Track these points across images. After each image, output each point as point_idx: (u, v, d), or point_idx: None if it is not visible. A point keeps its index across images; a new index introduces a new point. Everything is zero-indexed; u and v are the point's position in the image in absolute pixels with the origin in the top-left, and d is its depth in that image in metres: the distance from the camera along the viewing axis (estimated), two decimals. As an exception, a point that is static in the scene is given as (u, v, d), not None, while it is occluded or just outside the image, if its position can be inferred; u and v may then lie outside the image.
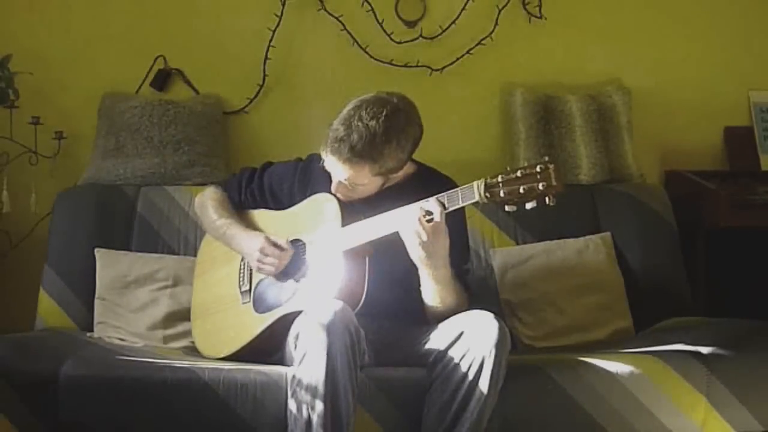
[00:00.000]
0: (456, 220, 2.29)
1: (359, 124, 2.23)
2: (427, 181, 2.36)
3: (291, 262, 2.39)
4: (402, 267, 2.25)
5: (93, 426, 2.23)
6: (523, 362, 2.36)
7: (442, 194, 2.17)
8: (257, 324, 2.39)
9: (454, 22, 3.26)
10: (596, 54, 3.35)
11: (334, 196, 2.35)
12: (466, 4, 3.26)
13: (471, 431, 2.13)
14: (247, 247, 2.44)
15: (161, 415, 2.23)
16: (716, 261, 3.10)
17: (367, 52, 3.24)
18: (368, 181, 2.31)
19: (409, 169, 2.42)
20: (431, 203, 2.16)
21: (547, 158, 2.07)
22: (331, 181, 2.37)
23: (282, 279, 2.40)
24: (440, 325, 2.27)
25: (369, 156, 2.25)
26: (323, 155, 2.32)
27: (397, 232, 2.19)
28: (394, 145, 2.26)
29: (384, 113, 2.25)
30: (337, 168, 2.30)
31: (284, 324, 2.30)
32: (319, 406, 2.05)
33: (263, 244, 2.39)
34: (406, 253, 2.20)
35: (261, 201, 2.57)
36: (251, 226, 2.53)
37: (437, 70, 3.27)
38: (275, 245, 2.39)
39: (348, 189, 2.33)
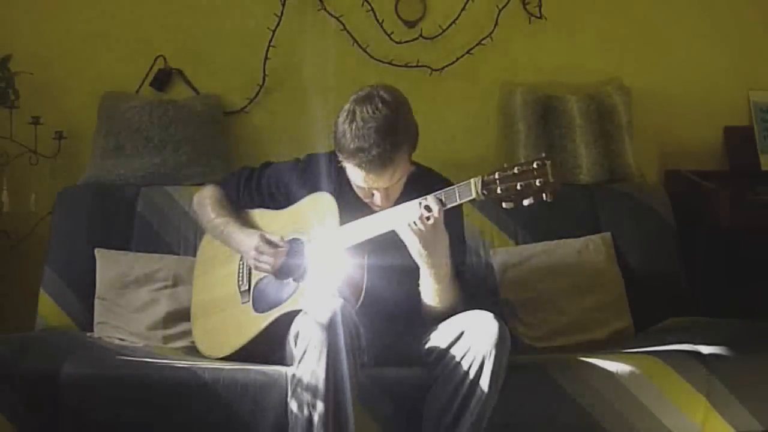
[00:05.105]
0: (453, 219, 2.28)
1: (370, 130, 2.20)
2: (426, 182, 2.35)
3: (290, 261, 2.39)
4: (402, 266, 2.24)
5: (93, 425, 2.22)
6: (523, 362, 2.36)
7: (440, 191, 2.17)
8: (257, 323, 2.39)
9: (454, 22, 3.26)
10: (596, 54, 3.36)
11: (332, 195, 2.35)
12: (466, 4, 3.26)
13: (471, 431, 2.13)
14: (244, 245, 2.44)
15: (161, 414, 2.23)
16: (716, 261, 3.09)
17: (367, 52, 3.24)
18: (403, 170, 2.28)
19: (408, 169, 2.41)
20: (429, 200, 2.16)
21: (544, 154, 2.06)
22: (331, 181, 2.37)
23: (281, 277, 2.40)
24: (441, 325, 2.27)
25: (391, 156, 2.21)
26: (349, 173, 2.29)
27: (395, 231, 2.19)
28: (404, 123, 2.25)
29: (387, 107, 2.22)
30: (377, 179, 2.25)
31: (284, 323, 2.30)
32: (320, 405, 2.05)
33: (258, 243, 2.39)
34: (407, 252, 2.20)
35: (259, 200, 2.57)
36: (250, 225, 2.53)
37: (437, 70, 3.27)
38: (270, 243, 2.39)
39: (388, 192, 2.29)
